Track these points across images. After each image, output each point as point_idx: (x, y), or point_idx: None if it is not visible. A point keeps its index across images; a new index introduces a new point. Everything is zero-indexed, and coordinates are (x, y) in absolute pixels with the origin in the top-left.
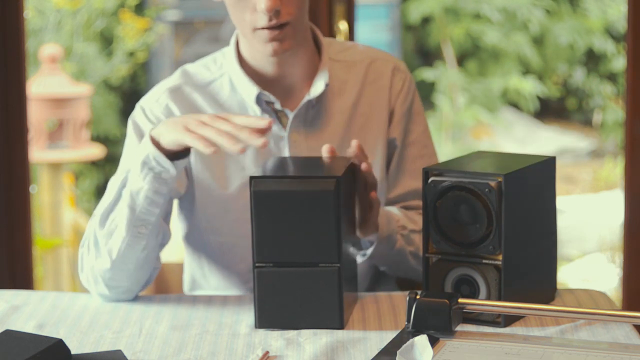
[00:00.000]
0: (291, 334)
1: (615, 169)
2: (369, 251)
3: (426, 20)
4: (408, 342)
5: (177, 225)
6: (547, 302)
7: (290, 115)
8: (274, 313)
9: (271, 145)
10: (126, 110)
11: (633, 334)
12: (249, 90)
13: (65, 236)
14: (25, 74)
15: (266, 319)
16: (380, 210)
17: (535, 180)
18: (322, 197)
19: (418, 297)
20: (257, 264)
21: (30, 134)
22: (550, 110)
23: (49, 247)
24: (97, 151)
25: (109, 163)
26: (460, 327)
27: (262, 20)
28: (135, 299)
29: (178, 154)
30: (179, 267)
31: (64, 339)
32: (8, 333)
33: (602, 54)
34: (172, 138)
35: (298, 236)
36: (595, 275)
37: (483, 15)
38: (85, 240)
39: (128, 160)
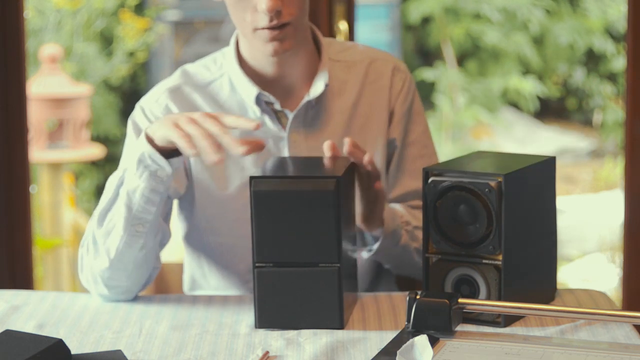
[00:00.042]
0: (291, 334)
1: (615, 169)
2: (375, 246)
3: (426, 20)
4: (408, 342)
5: (177, 225)
6: (547, 302)
7: (290, 115)
8: (274, 313)
9: (271, 145)
10: (126, 110)
11: (633, 334)
12: (249, 91)
13: (65, 236)
14: (25, 74)
15: (266, 319)
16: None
17: (535, 180)
18: (322, 197)
19: (418, 297)
20: (257, 264)
21: (30, 134)
22: (550, 110)
23: (49, 247)
24: (97, 151)
25: (109, 163)
26: (460, 327)
27: (263, 20)
28: (135, 299)
29: (173, 152)
30: (179, 267)
31: (64, 339)
32: (8, 333)
33: (602, 54)
34: (161, 134)
35: (298, 236)
36: (595, 275)
37: (483, 15)
38: (85, 240)
39: (127, 159)
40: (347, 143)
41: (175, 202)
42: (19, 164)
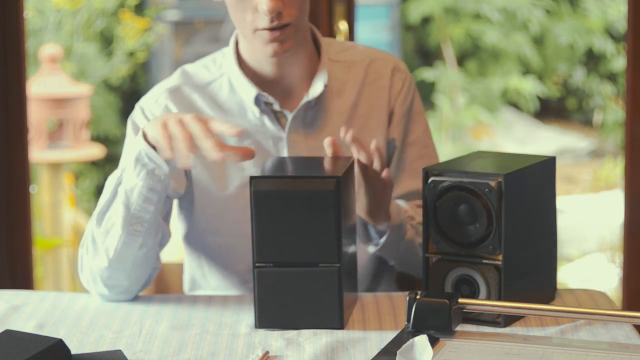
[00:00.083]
0: (291, 334)
1: (615, 169)
2: (382, 240)
3: (426, 20)
4: (408, 342)
5: (177, 225)
6: (547, 302)
7: (289, 116)
8: (274, 313)
9: (270, 145)
10: (126, 110)
11: (633, 334)
12: (248, 91)
13: (65, 236)
14: (25, 74)
15: (266, 319)
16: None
17: (535, 180)
18: (322, 197)
19: (418, 297)
20: (257, 264)
21: (30, 134)
22: (550, 110)
23: (49, 247)
24: (97, 151)
25: (109, 163)
26: (460, 327)
27: (264, 21)
28: (135, 299)
29: None
30: (179, 267)
31: (64, 339)
32: (8, 333)
33: (602, 54)
34: (151, 133)
35: (298, 236)
36: (595, 275)
37: (483, 15)
38: (85, 240)
39: (127, 159)
40: (348, 138)
41: (175, 202)
42: (19, 164)
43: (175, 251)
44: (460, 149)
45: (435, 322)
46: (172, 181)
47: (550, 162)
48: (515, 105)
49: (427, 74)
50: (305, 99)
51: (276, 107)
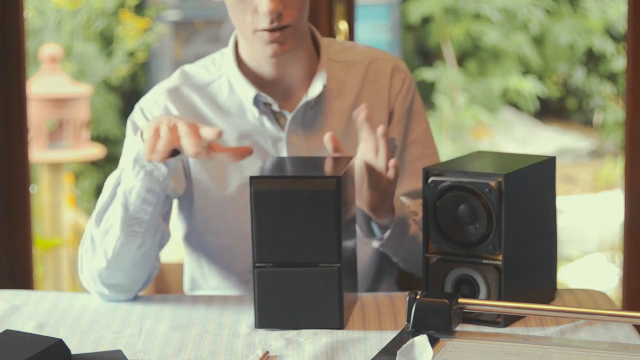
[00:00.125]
0: (291, 334)
1: (615, 169)
2: (386, 234)
3: (426, 20)
4: (408, 342)
5: (177, 225)
6: (547, 302)
7: (289, 116)
8: (274, 313)
9: (269, 146)
10: (126, 110)
11: (633, 334)
12: (247, 92)
13: (65, 236)
14: (25, 74)
15: (266, 319)
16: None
17: (535, 180)
18: (322, 197)
19: (418, 297)
20: (257, 264)
21: (30, 134)
22: (550, 110)
23: (49, 247)
24: (97, 151)
25: (109, 163)
26: (460, 327)
27: (264, 22)
28: (135, 299)
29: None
30: (179, 267)
31: (64, 339)
32: (8, 333)
33: (602, 54)
34: (145, 135)
35: (298, 236)
36: (595, 275)
37: (483, 15)
38: (84, 241)
39: (126, 160)
40: (364, 111)
41: (175, 202)
42: (19, 164)
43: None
44: (460, 149)
45: (435, 322)
46: (172, 181)
47: (550, 162)
48: (515, 105)
49: (427, 74)
50: (304, 99)
51: (275, 107)
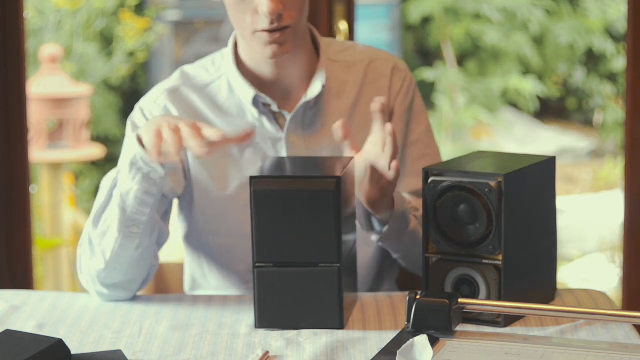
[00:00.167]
0: (291, 334)
1: (615, 169)
2: (385, 229)
3: (426, 20)
4: (408, 342)
5: (177, 225)
6: (547, 302)
7: (288, 116)
8: (274, 313)
9: (269, 146)
10: (126, 110)
11: (633, 334)
12: (246, 92)
13: (65, 236)
14: (25, 74)
15: (266, 319)
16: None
17: (535, 180)
18: (322, 197)
19: (418, 297)
20: (257, 264)
21: (30, 134)
22: (550, 110)
23: (49, 247)
24: (97, 151)
25: (109, 163)
26: (460, 327)
27: (264, 22)
28: (135, 299)
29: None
30: (179, 267)
31: (64, 339)
32: (8, 333)
33: (602, 54)
34: (145, 137)
35: (298, 236)
36: (595, 275)
37: (483, 15)
38: (82, 241)
39: (125, 160)
40: (378, 100)
41: (175, 202)
42: (19, 164)
43: (175, 251)
44: (460, 149)
45: (435, 322)
46: (170, 181)
47: (550, 162)
48: (515, 105)
49: (427, 74)
50: (303, 100)
51: (274, 108)
